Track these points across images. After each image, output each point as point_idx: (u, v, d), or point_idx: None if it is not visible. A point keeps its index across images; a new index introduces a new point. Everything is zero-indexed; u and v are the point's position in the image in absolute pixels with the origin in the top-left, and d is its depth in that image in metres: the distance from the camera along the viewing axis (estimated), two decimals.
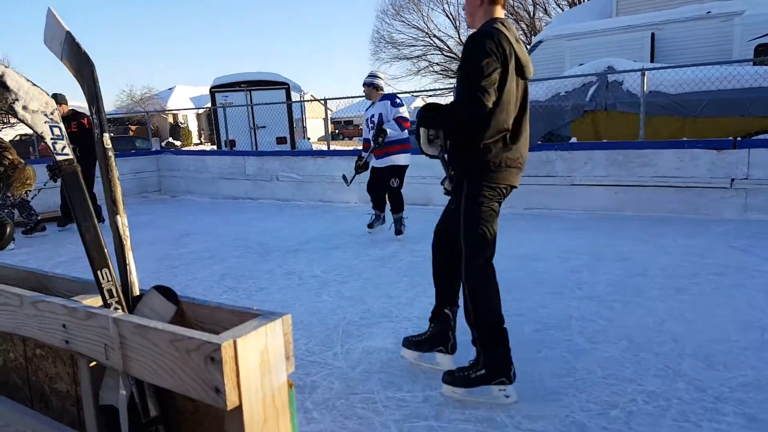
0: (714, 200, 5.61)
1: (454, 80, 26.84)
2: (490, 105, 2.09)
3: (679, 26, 9.80)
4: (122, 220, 1.06)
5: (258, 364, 0.84)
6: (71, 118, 6.22)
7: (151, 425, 0.98)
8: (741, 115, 7.16)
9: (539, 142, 8.30)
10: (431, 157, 2.28)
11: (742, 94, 7.15)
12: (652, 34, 9.93)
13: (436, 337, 2.45)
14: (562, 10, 22.48)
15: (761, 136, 6.50)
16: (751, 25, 8.83)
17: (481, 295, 2.17)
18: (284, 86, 14.74)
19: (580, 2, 22.02)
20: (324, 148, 10.13)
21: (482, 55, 2.07)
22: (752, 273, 3.64)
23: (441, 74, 27.79)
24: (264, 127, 13.28)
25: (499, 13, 2.25)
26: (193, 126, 31.70)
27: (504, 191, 2.24)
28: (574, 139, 7.83)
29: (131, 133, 24.18)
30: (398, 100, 5.26)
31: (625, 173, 6.01)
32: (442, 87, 26.32)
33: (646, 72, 6.62)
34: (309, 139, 16.75)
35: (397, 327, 2.99)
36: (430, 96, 29.04)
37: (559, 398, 2.15)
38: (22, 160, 6.09)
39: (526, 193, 6.52)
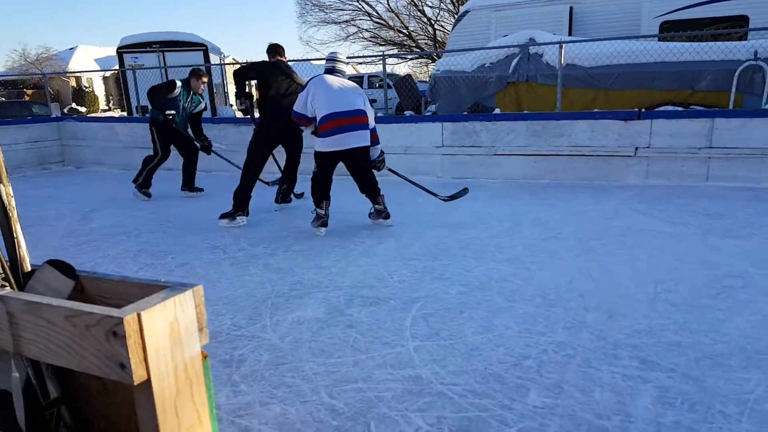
0: (620, 168, 6.05)
1: (383, 48, 26.45)
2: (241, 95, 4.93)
3: (595, 0, 10.24)
4: (6, 190, 0.95)
5: (167, 336, 0.80)
6: None
7: (52, 407, 0.92)
8: (646, 88, 7.69)
9: (465, 113, 8.45)
10: None
11: (647, 69, 7.66)
12: (570, 8, 10.32)
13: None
14: None
15: (662, 108, 7.03)
16: (657, 2, 9.40)
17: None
18: (202, 48, 13.88)
19: None
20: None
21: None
22: (650, 234, 3.99)
23: (371, 41, 26.88)
24: None
25: (279, 57, 4.93)
26: (99, 90, 28.99)
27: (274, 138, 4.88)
28: (498, 110, 8.04)
29: (27, 98, 21.77)
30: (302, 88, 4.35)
31: (543, 143, 6.31)
32: (372, 54, 25.61)
33: (564, 45, 6.90)
34: (232, 106, 15.91)
35: (328, 296, 2.99)
36: (361, 63, 28.50)
37: (479, 353, 2.27)
38: None
39: (454, 163, 6.71)
